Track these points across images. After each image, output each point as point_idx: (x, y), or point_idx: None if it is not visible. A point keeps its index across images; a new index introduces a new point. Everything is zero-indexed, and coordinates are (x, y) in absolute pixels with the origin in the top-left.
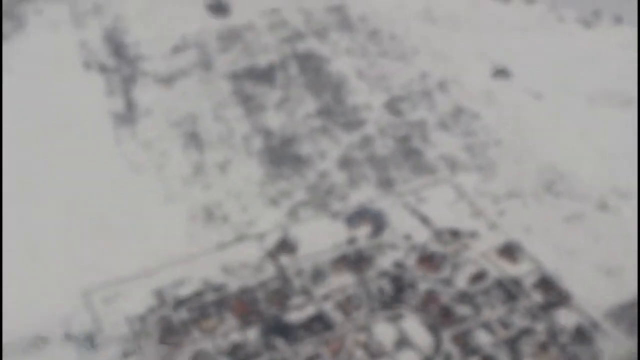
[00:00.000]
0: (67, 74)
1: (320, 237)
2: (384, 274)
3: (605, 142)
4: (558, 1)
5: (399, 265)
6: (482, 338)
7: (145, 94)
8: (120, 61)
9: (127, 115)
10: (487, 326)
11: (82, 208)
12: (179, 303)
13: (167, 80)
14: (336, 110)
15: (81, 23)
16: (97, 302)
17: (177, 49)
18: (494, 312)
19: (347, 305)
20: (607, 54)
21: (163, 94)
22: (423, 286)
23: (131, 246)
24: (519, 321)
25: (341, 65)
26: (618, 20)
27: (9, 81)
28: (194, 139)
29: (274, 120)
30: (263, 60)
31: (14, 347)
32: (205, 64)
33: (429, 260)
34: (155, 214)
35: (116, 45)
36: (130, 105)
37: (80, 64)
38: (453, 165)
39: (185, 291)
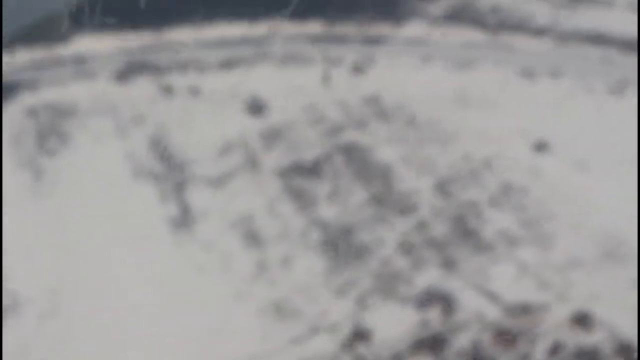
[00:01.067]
0: (117, 184)
1: (393, 322)
2: (462, 354)
3: None
4: (584, 73)
5: (475, 344)
6: None
7: (199, 197)
8: (168, 167)
9: (183, 219)
10: None
11: (150, 314)
12: None
13: (218, 182)
14: (387, 198)
15: (125, 134)
16: None
17: (222, 151)
18: None
19: None
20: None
21: (216, 195)
22: None
23: (206, 348)
24: None
25: (385, 153)
26: None
27: (58, 196)
28: (253, 237)
29: (328, 212)
30: (308, 155)
31: None
32: (252, 163)
33: (504, 336)
34: (225, 313)
35: (162, 152)
36: (185, 209)
37: (129, 174)
38: (511, 241)
39: None
